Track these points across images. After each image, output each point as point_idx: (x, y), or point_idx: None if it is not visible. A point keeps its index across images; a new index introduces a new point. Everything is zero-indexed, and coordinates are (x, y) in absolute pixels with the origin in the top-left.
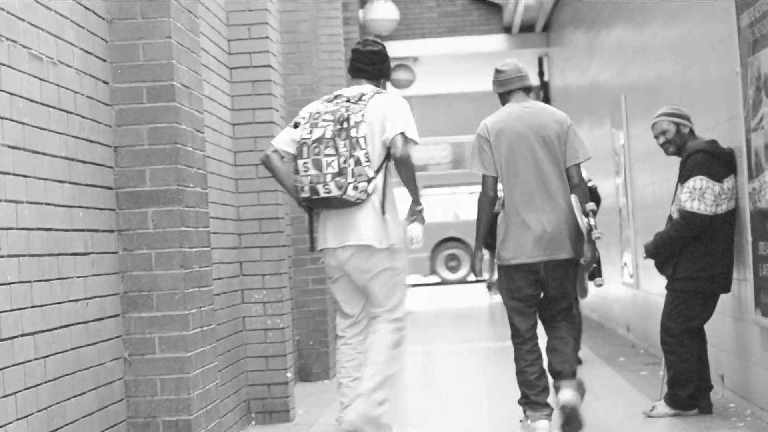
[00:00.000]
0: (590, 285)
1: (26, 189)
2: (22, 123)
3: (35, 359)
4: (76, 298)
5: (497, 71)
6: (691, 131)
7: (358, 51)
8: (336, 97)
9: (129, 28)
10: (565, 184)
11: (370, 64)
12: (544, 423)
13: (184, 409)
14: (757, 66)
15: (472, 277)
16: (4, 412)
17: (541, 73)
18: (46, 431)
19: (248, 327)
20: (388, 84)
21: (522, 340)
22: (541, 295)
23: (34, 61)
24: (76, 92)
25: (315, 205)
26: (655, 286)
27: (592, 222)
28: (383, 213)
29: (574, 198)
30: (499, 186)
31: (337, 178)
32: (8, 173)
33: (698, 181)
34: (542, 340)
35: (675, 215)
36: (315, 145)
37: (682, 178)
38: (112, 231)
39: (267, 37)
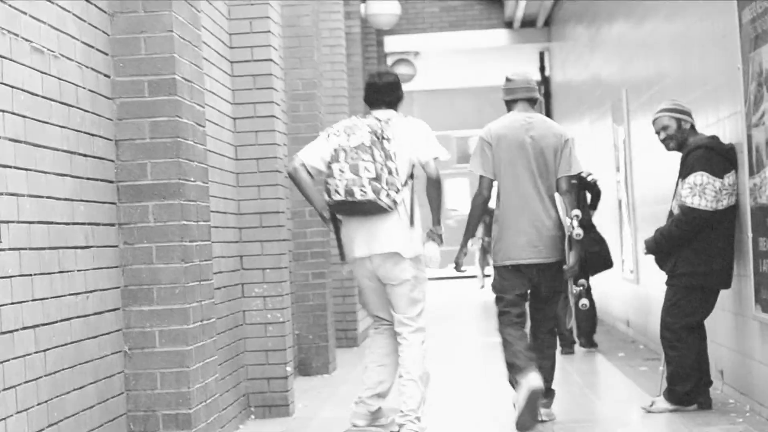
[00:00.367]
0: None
1: (27, 182)
2: (24, 116)
3: (35, 352)
4: (77, 292)
5: (507, 80)
6: (692, 127)
7: (375, 84)
8: (367, 115)
9: (130, 22)
10: (552, 193)
11: (388, 94)
12: (534, 374)
13: (184, 403)
14: (759, 62)
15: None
16: (4, 405)
17: (542, 68)
18: (46, 424)
19: (248, 321)
20: None
21: (510, 321)
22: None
23: (35, 55)
24: (77, 86)
25: (345, 211)
26: (655, 281)
27: (574, 224)
28: (411, 224)
29: (558, 197)
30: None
31: (374, 183)
32: (9, 166)
33: (699, 177)
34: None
35: (676, 211)
36: (353, 150)
37: (683, 173)
38: (112, 224)
39: (268, 31)
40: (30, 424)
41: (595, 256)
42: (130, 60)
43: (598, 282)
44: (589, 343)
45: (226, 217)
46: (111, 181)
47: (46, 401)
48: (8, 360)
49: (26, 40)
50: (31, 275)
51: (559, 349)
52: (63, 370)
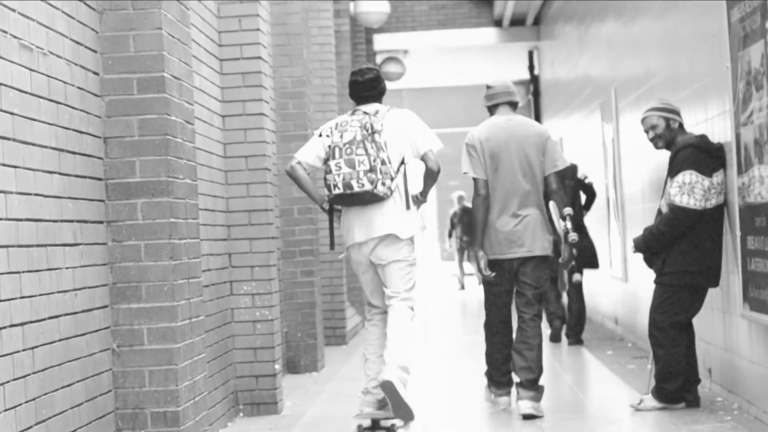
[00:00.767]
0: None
1: (16, 179)
2: (12, 113)
3: (24, 350)
4: (65, 289)
5: (487, 87)
6: (681, 126)
7: (358, 82)
8: (354, 112)
9: (120, 19)
10: (539, 190)
11: (371, 89)
12: (505, 399)
13: (172, 401)
14: (747, 61)
15: None
16: None
17: (531, 67)
18: (35, 422)
19: (237, 319)
20: None
21: (494, 330)
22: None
23: (24, 52)
24: (66, 83)
25: (344, 203)
26: (644, 279)
27: (568, 225)
28: (408, 208)
29: (552, 204)
30: None
31: (369, 174)
32: None
33: (688, 176)
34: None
35: (664, 209)
36: (347, 146)
37: (672, 172)
38: (101, 222)
39: (258, 29)
40: (18, 422)
41: (585, 250)
42: (119, 57)
43: (587, 280)
44: (577, 342)
45: (214, 215)
46: (99, 179)
47: (34, 399)
48: None
49: (15, 37)
50: (19, 272)
51: (547, 334)
52: (51, 367)
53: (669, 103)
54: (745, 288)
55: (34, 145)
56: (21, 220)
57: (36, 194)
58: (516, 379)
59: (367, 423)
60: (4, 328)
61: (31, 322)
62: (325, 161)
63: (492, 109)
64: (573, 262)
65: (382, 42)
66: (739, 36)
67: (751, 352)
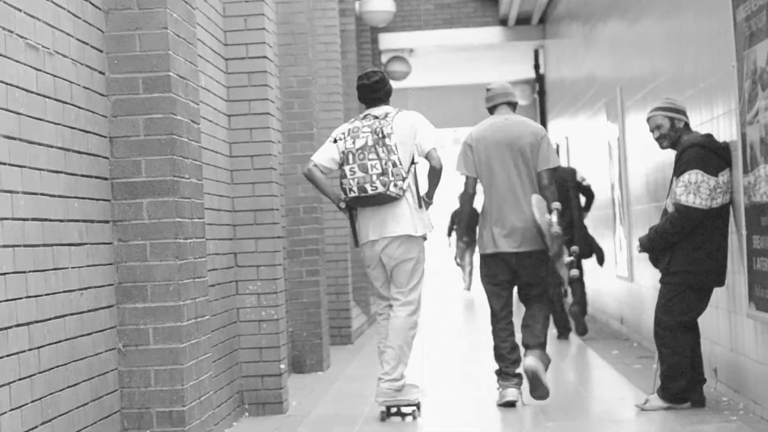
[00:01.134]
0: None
1: (22, 179)
2: (18, 113)
3: (29, 350)
4: (71, 289)
5: (486, 89)
6: (686, 125)
7: (366, 85)
8: (365, 116)
9: (125, 19)
10: (534, 187)
11: (379, 91)
12: (513, 390)
13: (178, 400)
14: (753, 59)
15: None
16: None
17: (536, 66)
18: (40, 421)
19: (242, 318)
20: None
21: (497, 319)
22: (516, 280)
23: (30, 52)
24: (72, 82)
25: (360, 204)
26: (649, 279)
27: (554, 219)
28: (419, 206)
29: (536, 197)
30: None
31: (382, 177)
32: (4, 163)
33: (693, 175)
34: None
35: (670, 209)
36: (359, 152)
37: (678, 171)
38: (107, 222)
39: (263, 29)
40: (24, 422)
41: (583, 243)
42: (124, 57)
43: (593, 280)
44: (584, 332)
45: (220, 215)
46: (105, 178)
47: (40, 398)
48: (2, 357)
49: (21, 36)
50: (25, 272)
51: (555, 332)
52: (57, 367)
53: (674, 102)
54: (751, 287)
55: (40, 144)
56: (27, 219)
57: (42, 194)
58: (523, 351)
59: (383, 408)
60: (11, 327)
61: (36, 321)
62: (340, 165)
63: (492, 110)
64: (571, 258)
65: (387, 41)
66: (745, 35)
67: (757, 351)
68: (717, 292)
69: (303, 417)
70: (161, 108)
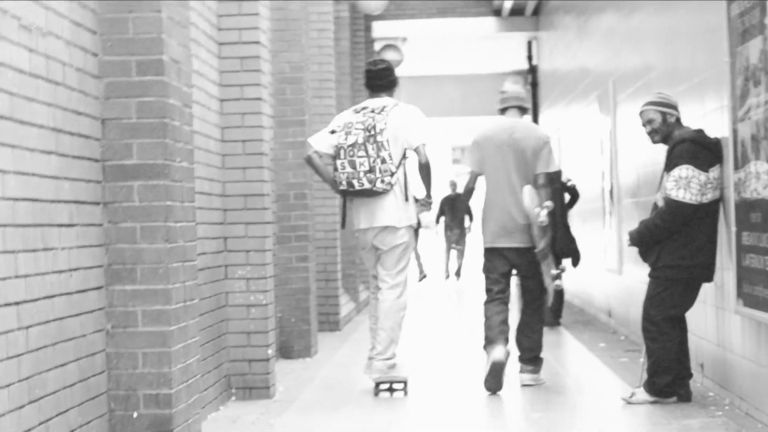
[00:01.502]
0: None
1: (13, 159)
2: (10, 93)
3: (18, 329)
4: (60, 270)
5: (501, 92)
6: (678, 120)
7: (372, 71)
8: (363, 108)
9: (119, 1)
10: None
11: (384, 79)
12: (499, 348)
13: (165, 383)
14: (746, 56)
15: None
16: None
17: (529, 57)
18: (27, 401)
19: (231, 303)
20: None
21: (491, 298)
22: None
23: (23, 32)
24: (65, 64)
25: (350, 195)
26: (638, 273)
27: (543, 213)
28: (406, 199)
29: (528, 188)
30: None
31: (368, 175)
32: None
33: (684, 170)
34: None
35: (660, 203)
36: (350, 148)
37: (669, 166)
38: (97, 203)
39: (257, 14)
40: (11, 401)
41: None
42: (118, 39)
43: (581, 273)
44: (556, 323)
45: (210, 199)
46: (97, 160)
47: (27, 378)
48: None
49: (14, 17)
50: (15, 252)
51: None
52: (45, 347)
53: (666, 97)
54: (739, 284)
55: (31, 125)
56: (17, 199)
57: (33, 174)
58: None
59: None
60: None
61: (25, 301)
62: (333, 159)
63: (503, 111)
64: (558, 270)
65: (381, 29)
66: (739, 31)
67: (744, 347)
68: (705, 288)
69: (290, 402)
70: (154, 91)
